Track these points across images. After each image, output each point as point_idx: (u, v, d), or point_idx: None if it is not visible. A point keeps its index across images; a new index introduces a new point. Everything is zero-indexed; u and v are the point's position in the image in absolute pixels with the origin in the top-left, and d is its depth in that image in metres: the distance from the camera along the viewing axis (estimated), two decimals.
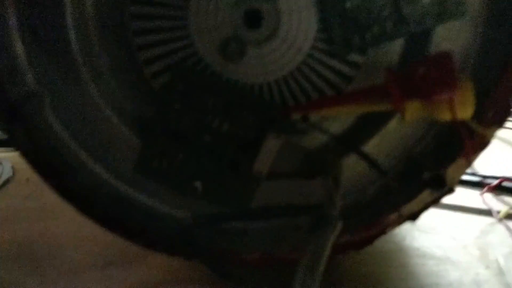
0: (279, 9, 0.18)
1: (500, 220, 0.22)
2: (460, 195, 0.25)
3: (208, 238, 0.18)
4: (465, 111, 0.16)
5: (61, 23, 0.17)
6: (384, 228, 0.18)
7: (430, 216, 0.24)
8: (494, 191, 0.28)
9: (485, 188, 0.28)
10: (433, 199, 0.18)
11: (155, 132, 0.19)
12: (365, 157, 0.18)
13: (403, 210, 0.18)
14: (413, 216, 0.18)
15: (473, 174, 0.29)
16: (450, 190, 0.18)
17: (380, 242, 0.21)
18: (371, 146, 0.19)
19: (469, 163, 0.17)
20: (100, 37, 0.18)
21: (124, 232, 0.18)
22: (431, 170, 0.18)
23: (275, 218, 0.18)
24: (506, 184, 0.28)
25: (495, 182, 0.28)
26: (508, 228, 0.22)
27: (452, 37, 0.18)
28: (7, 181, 0.35)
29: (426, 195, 0.18)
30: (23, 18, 0.17)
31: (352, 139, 0.19)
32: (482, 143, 0.17)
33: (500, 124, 0.17)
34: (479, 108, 0.17)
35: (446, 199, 0.28)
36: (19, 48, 0.17)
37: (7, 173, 0.36)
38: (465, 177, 0.29)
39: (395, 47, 0.18)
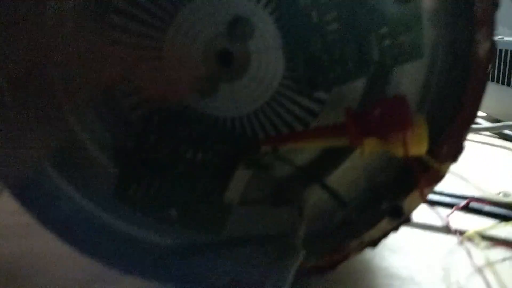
0: (249, 50, 0.19)
1: (461, 243, 0.24)
2: (430, 214, 0.26)
3: (181, 264, 0.19)
4: (419, 148, 0.17)
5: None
6: (347, 254, 0.20)
7: (400, 236, 0.26)
8: (462, 211, 0.30)
9: (453, 209, 0.29)
10: (391, 227, 0.19)
11: (132, 162, 0.20)
12: (327, 188, 0.19)
13: (364, 238, 0.19)
14: (374, 243, 0.20)
15: (442, 194, 0.31)
16: (408, 220, 0.19)
17: (350, 263, 0.22)
18: (335, 177, 0.20)
19: (423, 196, 0.18)
20: None
21: (101, 258, 0.19)
22: (390, 200, 0.19)
23: (244, 247, 0.19)
24: (473, 205, 0.29)
25: (463, 202, 0.29)
26: (468, 251, 0.23)
27: (410, 76, 0.19)
28: None
29: (385, 223, 0.19)
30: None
31: (317, 170, 0.20)
32: (436, 177, 0.19)
33: (454, 159, 0.19)
34: (434, 145, 0.18)
35: (417, 218, 0.30)
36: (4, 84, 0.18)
37: None
38: (435, 197, 0.31)
39: (358, 84, 0.20)
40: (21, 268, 0.25)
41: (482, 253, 0.22)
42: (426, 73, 0.19)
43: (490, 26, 0.16)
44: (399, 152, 0.17)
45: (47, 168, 0.19)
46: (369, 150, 0.18)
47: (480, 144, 0.48)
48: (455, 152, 0.18)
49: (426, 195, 0.19)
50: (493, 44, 0.17)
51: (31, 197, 0.19)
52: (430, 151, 0.18)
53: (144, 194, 0.20)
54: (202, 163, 0.20)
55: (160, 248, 0.20)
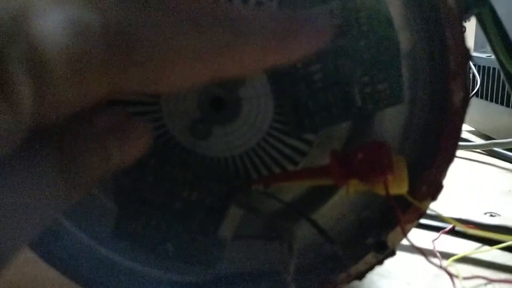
0: (240, 97, 0.20)
1: (445, 269, 0.25)
2: (419, 238, 0.27)
3: None
4: (400, 188, 0.19)
5: None
6: (335, 286, 0.21)
7: (390, 260, 0.27)
8: (449, 234, 0.31)
9: (439, 233, 0.30)
10: (377, 261, 0.20)
11: (131, 200, 0.21)
12: (315, 225, 0.20)
13: (350, 271, 0.20)
14: (360, 276, 0.21)
15: (430, 217, 0.32)
16: (392, 253, 0.21)
17: None
18: (323, 212, 0.21)
19: (404, 232, 0.19)
20: None
21: None
22: (375, 235, 0.20)
23: (238, 284, 0.20)
24: (459, 228, 0.30)
25: (449, 226, 0.31)
26: (451, 278, 0.24)
27: (392, 120, 0.20)
28: None
29: (370, 257, 0.20)
30: None
31: (305, 206, 0.21)
32: (417, 214, 0.20)
33: (433, 198, 0.20)
34: (414, 184, 0.19)
35: (406, 242, 0.31)
36: None
37: None
38: (422, 221, 0.32)
39: (344, 126, 0.21)
40: None
41: (460, 283, 0.23)
42: (407, 117, 0.20)
43: (463, 76, 0.18)
44: (381, 192, 0.18)
45: None
46: (353, 190, 0.19)
47: (469, 161, 0.50)
48: (434, 191, 0.20)
49: (407, 231, 0.20)
50: (467, 93, 0.18)
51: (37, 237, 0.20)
52: (410, 190, 0.19)
53: (142, 230, 0.21)
54: (197, 201, 0.21)
55: (161, 284, 0.21)
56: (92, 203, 0.21)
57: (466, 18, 0.23)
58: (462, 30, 0.18)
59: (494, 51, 0.22)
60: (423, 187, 0.19)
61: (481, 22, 0.24)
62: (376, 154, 0.18)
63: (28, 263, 0.29)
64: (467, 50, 0.17)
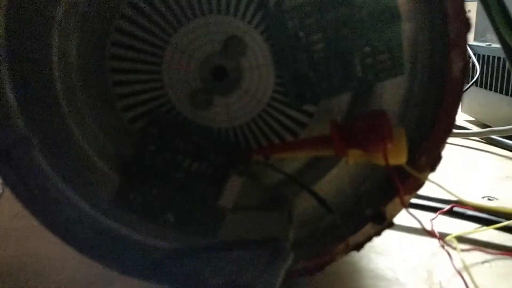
0: (242, 66, 0.20)
1: (442, 246, 0.25)
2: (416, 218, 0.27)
3: (177, 266, 0.20)
4: (399, 159, 0.19)
5: (49, 77, 0.20)
6: (334, 256, 0.21)
7: (386, 239, 0.27)
8: (446, 215, 0.31)
9: (437, 213, 0.30)
10: (375, 232, 0.21)
11: (132, 170, 0.21)
12: (315, 195, 0.20)
13: (349, 241, 0.21)
14: (358, 247, 0.21)
15: (428, 198, 0.32)
16: (391, 224, 0.21)
17: (339, 264, 0.23)
18: (322, 184, 0.21)
19: (404, 203, 0.20)
20: (83, 88, 0.20)
21: (103, 260, 0.21)
22: (373, 206, 0.20)
23: (237, 250, 0.20)
24: (457, 209, 0.31)
25: (447, 207, 0.31)
26: (448, 253, 0.24)
27: (392, 91, 0.20)
28: None
29: (368, 228, 0.21)
30: (16, 72, 0.19)
31: (306, 178, 0.21)
32: (416, 185, 0.20)
33: (432, 169, 0.20)
34: (414, 155, 0.19)
35: (403, 222, 0.31)
36: (11, 98, 0.19)
37: None
38: (420, 202, 0.32)
39: (344, 98, 0.21)
40: (23, 270, 0.26)
41: (459, 257, 0.23)
42: (407, 88, 0.20)
43: (463, 46, 0.18)
44: (380, 162, 0.19)
45: (52, 177, 0.20)
46: (353, 160, 0.19)
47: (468, 149, 0.50)
48: (433, 162, 0.20)
49: (406, 202, 0.20)
50: (467, 63, 0.18)
51: (36, 202, 0.20)
52: (410, 161, 0.19)
53: (143, 200, 0.21)
54: (198, 172, 0.21)
55: (157, 251, 0.21)
56: (93, 172, 0.21)
57: None
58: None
59: (493, 22, 0.22)
60: (422, 158, 0.20)
61: None
62: (377, 122, 0.18)
63: (28, 238, 0.30)
64: (467, 20, 0.18)
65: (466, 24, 0.18)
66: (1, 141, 0.19)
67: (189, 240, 0.21)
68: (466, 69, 0.18)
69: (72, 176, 0.21)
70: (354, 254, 0.28)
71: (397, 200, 0.20)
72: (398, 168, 0.19)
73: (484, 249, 0.26)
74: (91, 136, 0.21)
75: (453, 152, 0.49)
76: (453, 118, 0.19)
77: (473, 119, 0.60)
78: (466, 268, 0.23)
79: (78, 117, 0.20)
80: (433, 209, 0.32)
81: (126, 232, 0.21)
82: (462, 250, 0.25)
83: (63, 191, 0.21)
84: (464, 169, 0.43)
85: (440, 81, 0.19)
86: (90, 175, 0.21)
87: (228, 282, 0.20)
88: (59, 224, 0.20)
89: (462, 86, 0.19)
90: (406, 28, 0.19)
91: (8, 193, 0.38)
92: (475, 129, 0.54)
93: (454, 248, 0.24)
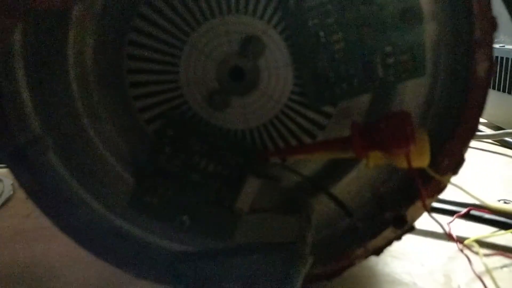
0: (259, 67, 0.20)
1: (461, 250, 0.25)
2: (433, 221, 0.27)
3: (193, 269, 0.20)
4: (422, 161, 0.18)
5: (64, 77, 0.19)
6: (352, 261, 0.20)
7: (403, 242, 0.26)
8: (463, 218, 0.30)
9: (454, 217, 0.30)
10: (395, 236, 0.20)
11: (148, 172, 0.21)
12: (333, 198, 0.20)
13: (368, 246, 0.20)
14: (378, 251, 0.20)
15: (444, 201, 0.31)
16: (411, 228, 0.20)
17: (355, 268, 0.23)
18: (341, 187, 0.21)
19: (425, 206, 0.19)
20: (99, 88, 0.20)
21: (117, 262, 0.20)
22: (394, 210, 0.20)
23: (255, 254, 0.20)
24: (474, 212, 0.30)
25: (464, 210, 0.30)
26: (468, 258, 0.24)
27: (413, 92, 0.20)
28: (7, 200, 0.36)
29: (389, 232, 0.20)
30: (31, 72, 0.19)
31: (324, 180, 0.21)
32: (438, 188, 0.19)
33: (454, 172, 0.19)
34: (436, 157, 0.19)
35: (420, 226, 0.31)
36: (26, 98, 0.19)
37: (7, 191, 0.37)
38: (437, 205, 0.31)
39: (364, 99, 0.21)
40: (35, 272, 0.26)
41: (481, 261, 0.23)
42: (428, 89, 0.20)
43: (489, 46, 0.17)
44: (402, 164, 0.18)
45: (67, 178, 0.20)
46: (373, 163, 0.19)
47: (481, 152, 0.49)
48: (455, 165, 0.19)
49: (428, 205, 0.19)
50: (492, 63, 0.18)
51: (50, 203, 0.20)
52: (432, 164, 0.19)
53: (159, 202, 0.21)
54: (214, 173, 0.21)
55: (172, 253, 0.21)
56: (108, 173, 0.21)
57: None
58: None
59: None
60: (444, 160, 0.19)
61: None
62: (399, 123, 0.18)
63: (39, 240, 0.30)
64: (493, 18, 0.17)
65: (492, 23, 0.17)
66: (15, 141, 0.19)
67: (205, 243, 0.21)
68: (492, 70, 0.18)
69: (86, 177, 0.20)
70: (371, 258, 0.28)
71: (418, 204, 0.20)
72: (420, 170, 0.19)
73: (506, 253, 0.26)
74: (106, 137, 0.21)
75: (466, 155, 0.48)
76: (477, 120, 0.18)
77: (486, 121, 0.59)
78: (489, 271, 0.22)
79: (93, 118, 0.20)
80: (450, 212, 0.31)
81: (141, 234, 0.21)
82: (485, 255, 0.24)
83: (78, 192, 0.20)
84: (478, 172, 0.43)
85: (464, 82, 0.18)
86: (105, 176, 0.21)
87: (245, 287, 0.20)
88: (72, 226, 0.20)
89: (488, 87, 0.18)
90: (429, 27, 0.19)
91: (19, 194, 0.38)
92: (489, 131, 0.53)
93: (476, 253, 0.24)
